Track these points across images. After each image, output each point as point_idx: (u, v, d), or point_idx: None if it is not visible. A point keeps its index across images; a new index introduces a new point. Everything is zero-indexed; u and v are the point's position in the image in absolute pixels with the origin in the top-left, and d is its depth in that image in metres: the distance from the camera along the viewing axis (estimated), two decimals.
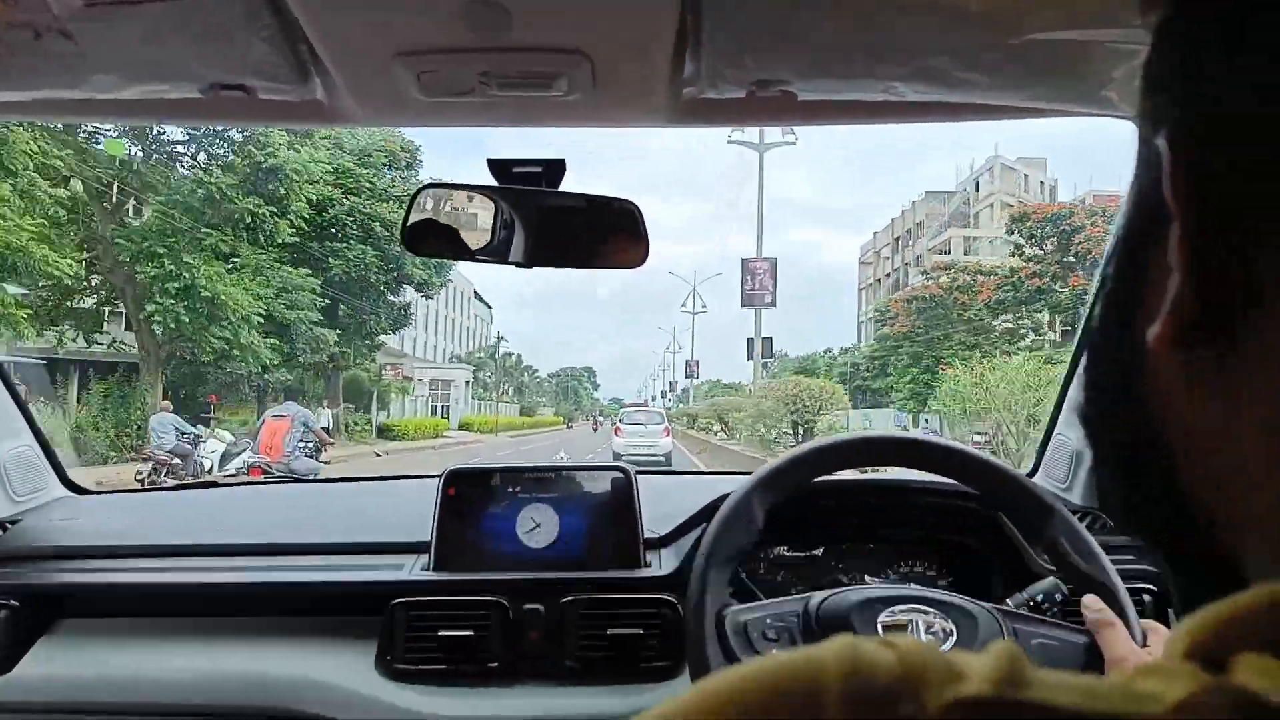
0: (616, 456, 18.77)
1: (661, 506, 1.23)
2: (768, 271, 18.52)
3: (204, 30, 0.75)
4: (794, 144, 21.23)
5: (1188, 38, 0.26)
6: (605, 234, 1.07)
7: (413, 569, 1.16)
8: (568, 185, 1.04)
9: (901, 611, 0.91)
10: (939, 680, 0.24)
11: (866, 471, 1.23)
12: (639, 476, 1.22)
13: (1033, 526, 0.97)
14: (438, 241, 1.06)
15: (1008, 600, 0.98)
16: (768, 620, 0.92)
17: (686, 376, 49.13)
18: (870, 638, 0.26)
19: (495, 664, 1.09)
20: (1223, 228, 0.25)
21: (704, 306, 45.63)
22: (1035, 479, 1.41)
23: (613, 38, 0.78)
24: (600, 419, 66.64)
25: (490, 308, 67.90)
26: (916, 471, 1.03)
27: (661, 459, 19.36)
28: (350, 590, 1.15)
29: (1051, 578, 1.01)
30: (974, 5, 0.68)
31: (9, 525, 1.27)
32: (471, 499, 1.19)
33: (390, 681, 1.09)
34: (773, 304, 17.92)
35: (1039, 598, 0.98)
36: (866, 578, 1.25)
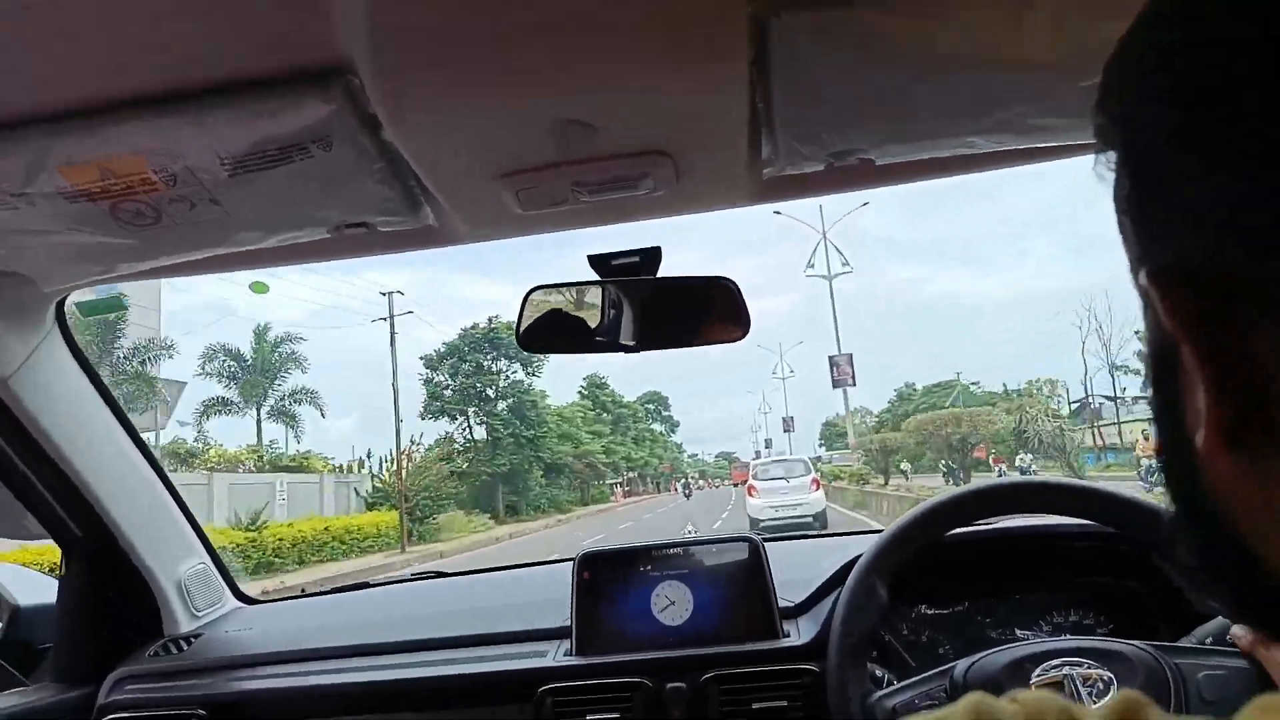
0: (754, 524, 14.26)
1: (793, 573, 1.22)
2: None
3: (327, 181, 0.83)
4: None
5: None
6: (707, 312, 1.10)
7: (556, 655, 1.19)
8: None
9: (1054, 667, 0.87)
10: None
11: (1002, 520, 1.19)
12: (766, 544, 1.22)
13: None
14: (549, 338, 1.13)
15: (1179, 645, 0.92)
16: (915, 701, 0.91)
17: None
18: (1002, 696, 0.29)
19: None
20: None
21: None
22: None
23: (690, 134, 0.82)
24: (695, 481, 52.87)
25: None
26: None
27: (811, 520, 14.37)
28: (500, 680, 1.19)
29: (1220, 617, 0.94)
30: (1043, 55, 0.68)
31: (192, 640, 1.39)
32: (605, 581, 1.22)
33: None
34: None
35: (1208, 641, 0.92)
36: (1017, 631, 1.19)
